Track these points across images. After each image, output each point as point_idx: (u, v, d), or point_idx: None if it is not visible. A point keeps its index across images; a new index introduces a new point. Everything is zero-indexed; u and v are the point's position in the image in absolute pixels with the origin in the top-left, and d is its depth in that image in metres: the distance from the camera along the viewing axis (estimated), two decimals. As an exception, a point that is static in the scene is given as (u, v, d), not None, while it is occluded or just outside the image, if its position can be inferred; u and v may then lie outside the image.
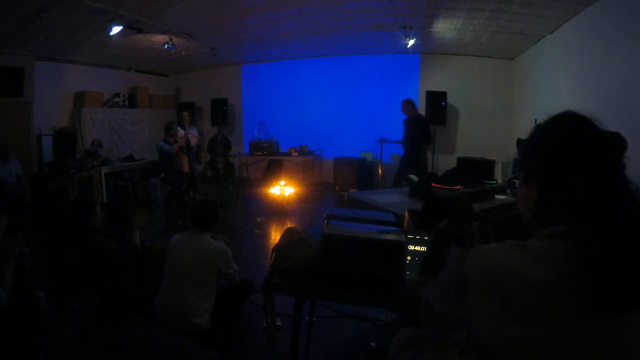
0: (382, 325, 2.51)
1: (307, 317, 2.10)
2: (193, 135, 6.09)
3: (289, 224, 4.47)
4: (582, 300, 0.62)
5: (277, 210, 5.55)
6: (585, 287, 0.62)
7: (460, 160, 5.00)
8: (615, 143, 0.71)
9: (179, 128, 5.78)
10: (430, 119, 6.47)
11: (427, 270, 1.10)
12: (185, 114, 6.43)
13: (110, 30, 5.00)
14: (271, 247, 1.77)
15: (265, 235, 4.72)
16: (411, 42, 5.88)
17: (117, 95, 7.58)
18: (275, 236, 4.56)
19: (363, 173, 6.90)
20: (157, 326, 2.26)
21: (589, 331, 0.61)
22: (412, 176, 2.92)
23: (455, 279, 0.72)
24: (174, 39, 5.92)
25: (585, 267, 0.62)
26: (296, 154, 7.65)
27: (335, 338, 2.46)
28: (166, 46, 5.94)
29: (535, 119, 0.86)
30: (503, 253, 0.69)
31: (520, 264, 0.66)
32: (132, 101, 7.81)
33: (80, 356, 0.62)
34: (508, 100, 6.58)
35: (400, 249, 1.52)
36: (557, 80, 4.83)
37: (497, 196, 2.75)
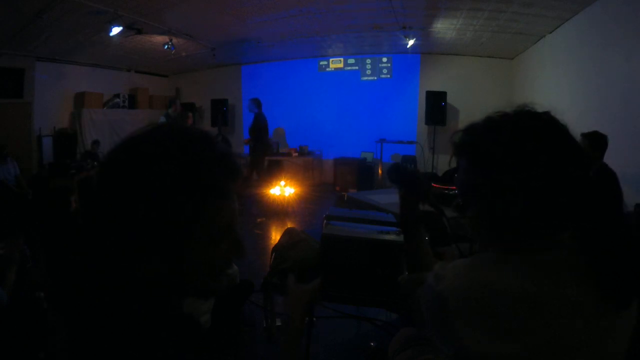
0: (382, 325, 2.51)
1: (307, 317, 2.10)
2: None
3: (289, 225, 4.47)
4: (573, 311, 0.61)
5: (278, 211, 5.55)
6: (574, 298, 0.61)
7: (461, 160, 4.99)
8: (584, 152, 0.68)
9: None
10: (430, 119, 6.50)
11: (413, 267, 1.09)
12: (190, 114, 6.43)
13: (110, 31, 5.01)
14: (271, 248, 1.77)
15: (265, 236, 4.72)
16: (411, 42, 5.89)
17: (117, 96, 7.59)
18: (275, 236, 4.56)
19: (363, 173, 6.90)
20: None
21: (577, 341, 0.60)
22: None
23: (434, 299, 0.69)
24: (174, 40, 5.92)
25: (582, 279, 0.62)
26: (296, 154, 7.64)
27: (335, 338, 2.46)
28: (166, 47, 5.94)
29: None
30: (480, 269, 0.66)
31: (502, 278, 0.63)
32: (132, 102, 7.82)
33: None
34: (508, 100, 6.31)
35: (400, 249, 1.52)
36: (557, 79, 4.83)
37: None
